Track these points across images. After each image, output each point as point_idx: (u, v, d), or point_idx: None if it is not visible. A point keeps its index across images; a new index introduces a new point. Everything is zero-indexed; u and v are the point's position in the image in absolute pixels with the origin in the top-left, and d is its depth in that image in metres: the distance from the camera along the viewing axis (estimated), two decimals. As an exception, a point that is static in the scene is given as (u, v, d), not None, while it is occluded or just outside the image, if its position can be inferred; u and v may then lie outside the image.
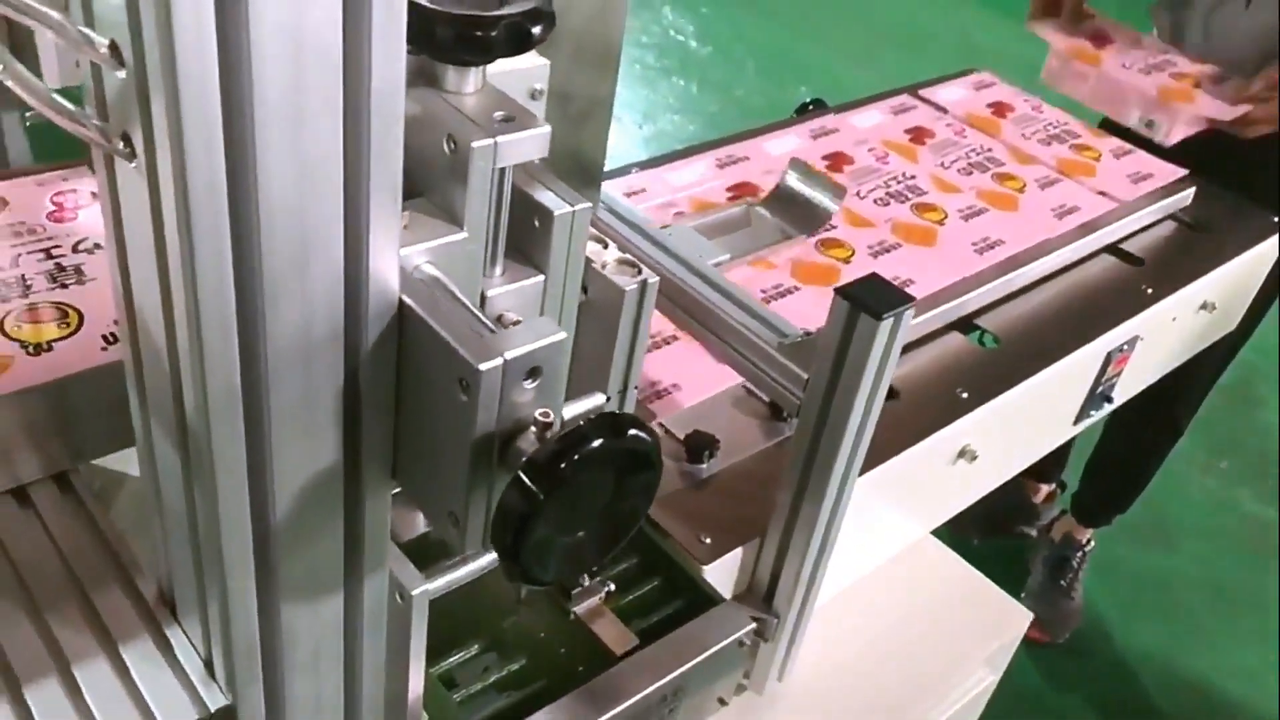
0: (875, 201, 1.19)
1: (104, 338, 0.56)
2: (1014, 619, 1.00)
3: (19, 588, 0.50)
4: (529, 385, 0.40)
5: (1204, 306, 1.24)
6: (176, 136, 0.32)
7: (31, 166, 0.62)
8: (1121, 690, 1.84)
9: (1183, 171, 1.30)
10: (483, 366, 0.38)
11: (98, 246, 0.61)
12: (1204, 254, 1.24)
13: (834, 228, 1.11)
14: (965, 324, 1.06)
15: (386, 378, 0.41)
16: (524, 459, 0.38)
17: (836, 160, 1.25)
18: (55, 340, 0.55)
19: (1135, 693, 1.84)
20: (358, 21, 0.33)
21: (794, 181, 1.07)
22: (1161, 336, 1.19)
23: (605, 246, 0.55)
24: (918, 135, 1.36)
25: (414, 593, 0.51)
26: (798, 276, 1.02)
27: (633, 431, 0.39)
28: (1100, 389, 1.14)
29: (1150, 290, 1.15)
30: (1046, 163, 1.31)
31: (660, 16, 4.00)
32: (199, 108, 0.31)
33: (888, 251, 1.10)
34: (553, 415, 0.40)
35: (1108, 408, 1.19)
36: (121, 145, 0.34)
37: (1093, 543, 1.94)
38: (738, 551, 0.79)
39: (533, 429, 0.40)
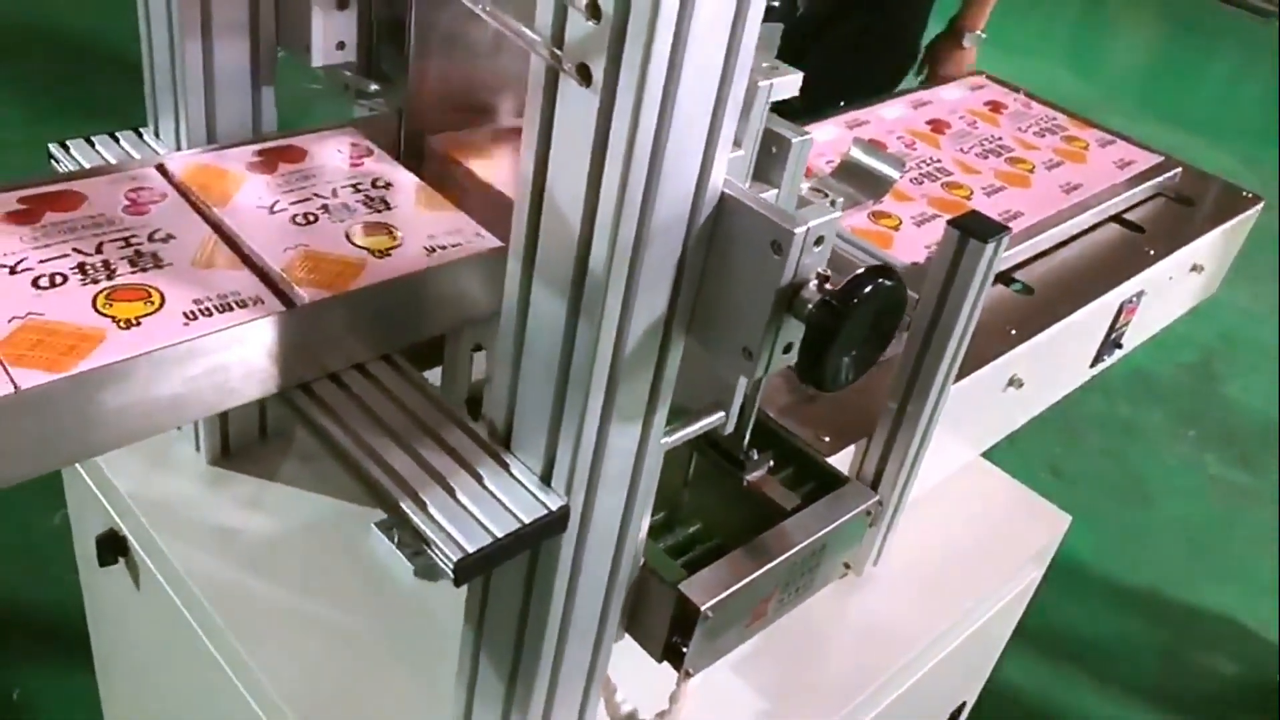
0: (911, 181, 1.37)
1: (425, 250, 0.72)
2: (1055, 522, 1.19)
3: (387, 431, 0.65)
4: (816, 250, 0.57)
5: (1194, 268, 1.44)
6: (641, 76, 0.48)
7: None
8: (1115, 622, 2.04)
9: (1160, 157, 1.50)
10: (796, 230, 0.55)
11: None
12: (1192, 224, 1.44)
13: (881, 202, 1.30)
14: (1003, 278, 1.24)
15: (701, 249, 0.58)
16: (827, 295, 0.55)
17: (873, 146, 1.44)
18: (392, 248, 0.72)
19: (1126, 624, 2.04)
20: (744, 15, 0.50)
21: (859, 154, 1.25)
22: (1161, 293, 1.38)
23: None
24: (937, 126, 1.56)
25: (665, 440, 0.68)
26: (858, 240, 1.20)
27: (894, 282, 0.56)
28: (1113, 335, 1.33)
29: (1152, 253, 1.34)
30: (1046, 150, 1.50)
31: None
32: (661, 57, 0.48)
33: (929, 221, 1.29)
34: (830, 272, 0.57)
35: (1118, 354, 1.38)
36: (577, 74, 0.51)
37: None
38: (851, 447, 0.96)
39: (813, 283, 0.57)
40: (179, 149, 0.87)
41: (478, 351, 0.85)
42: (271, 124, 0.89)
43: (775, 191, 0.67)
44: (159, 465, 1.03)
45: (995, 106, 1.64)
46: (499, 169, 0.86)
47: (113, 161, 0.85)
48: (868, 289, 0.56)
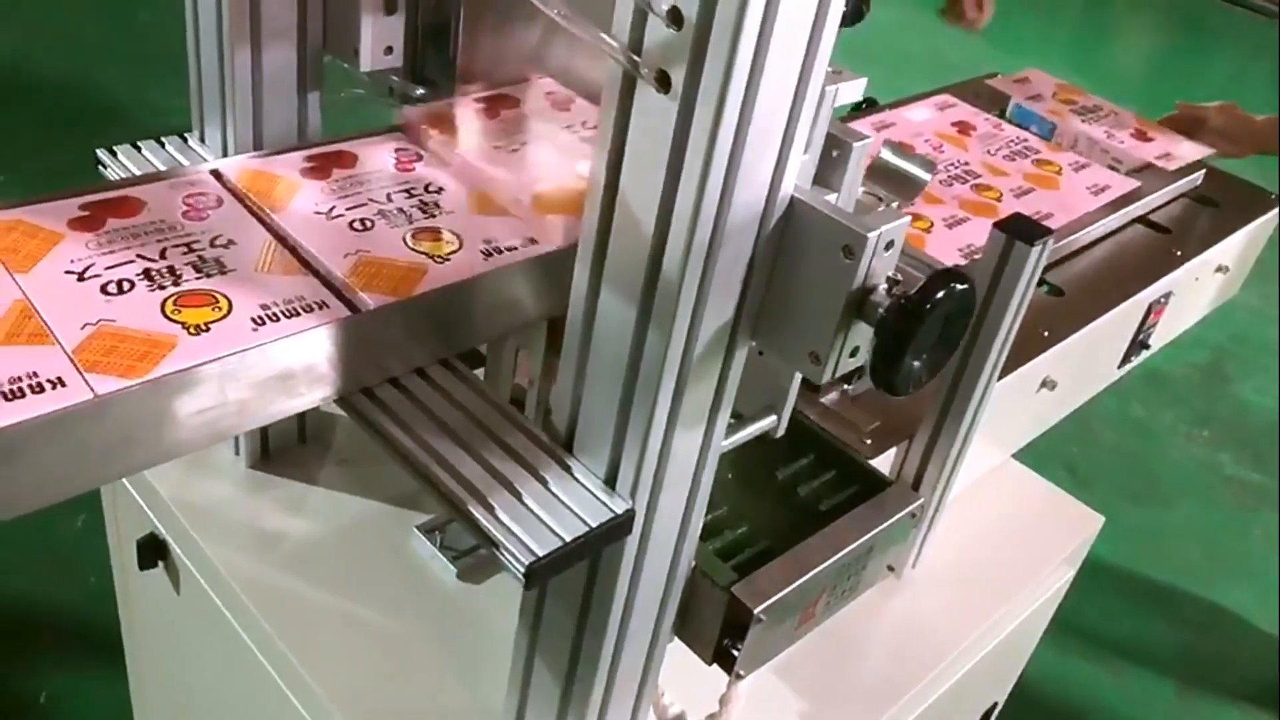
0: (940, 182, 1.38)
1: (482, 254, 0.73)
2: (1087, 523, 1.19)
3: (450, 434, 0.66)
4: (886, 254, 0.57)
5: (1219, 269, 1.44)
6: (723, 83, 0.48)
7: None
8: (1133, 622, 2.05)
9: (1136, 183, 1.41)
10: (869, 235, 0.55)
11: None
12: (1216, 225, 1.44)
13: (912, 203, 1.30)
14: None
15: (769, 254, 0.58)
16: (902, 299, 0.55)
17: (903, 149, 1.44)
18: (450, 253, 0.72)
19: (1144, 624, 2.04)
20: (821, 20, 0.50)
21: (889, 156, 1.25)
22: (1188, 294, 1.39)
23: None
24: (963, 128, 1.56)
25: (723, 443, 0.68)
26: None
27: (966, 285, 0.57)
28: (1141, 336, 1.34)
29: (1179, 254, 1.35)
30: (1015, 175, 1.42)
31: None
32: (743, 64, 0.48)
33: (960, 223, 1.29)
34: (900, 276, 0.57)
35: (1144, 354, 1.38)
36: (655, 80, 0.51)
37: None
38: (892, 450, 0.97)
39: (882, 286, 0.57)
40: (224, 155, 0.88)
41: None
42: (316, 130, 0.90)
43: (834, 195, 0.67)
44: (199, 469, 1.03)
45: (963, 128, 1.58)
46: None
47: (161, 168, 0.85)
48: (942, 293, 0.56)
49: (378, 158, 0.82)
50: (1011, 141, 1.52)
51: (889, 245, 0.57)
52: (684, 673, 0.82)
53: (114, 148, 0.87)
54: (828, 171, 0.66)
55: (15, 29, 3.73)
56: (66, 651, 1.72)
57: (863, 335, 0.59)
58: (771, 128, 0.53)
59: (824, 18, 0.51)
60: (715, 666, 0.80)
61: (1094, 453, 2.44)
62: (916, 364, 0.58)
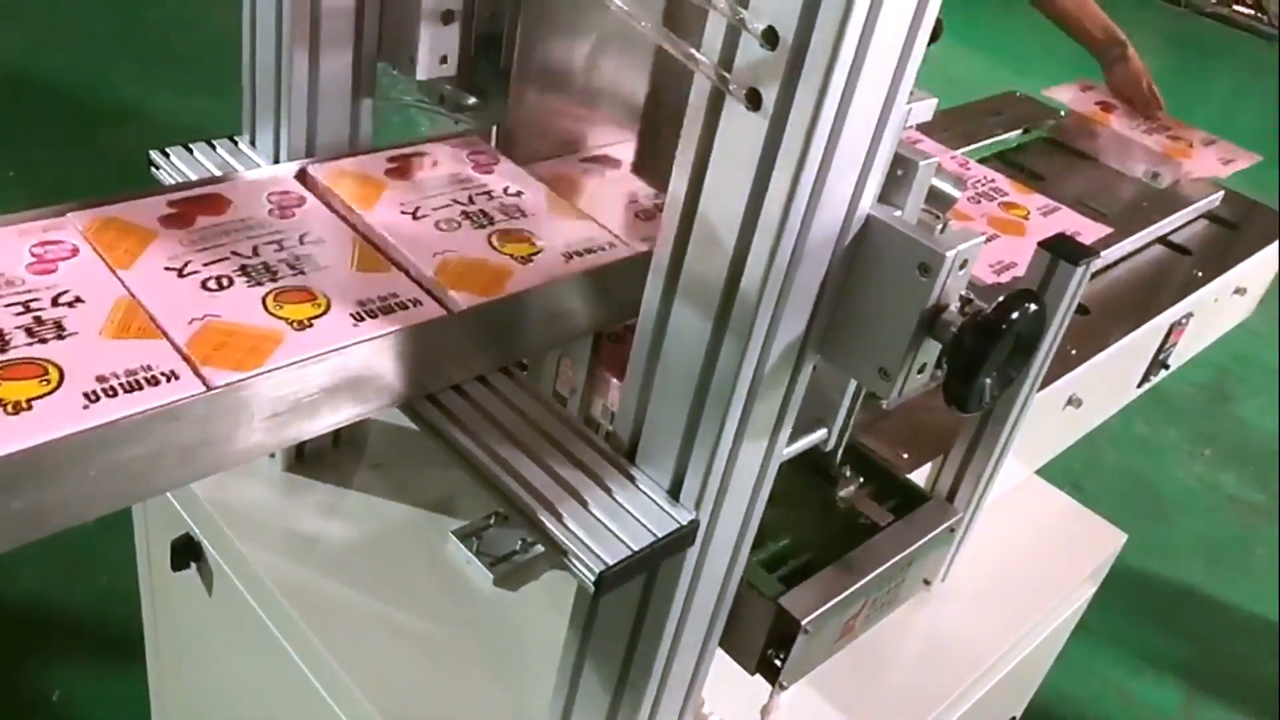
0: (969, 200, 1.39)
1: (564, 256, 0.74)
2: (1110, 539, 1.20)
3: (514, 442, 0.66)
4: (960, 273, 0.58)
5: (1237, 291, 1.46)
6: (817, 104, 0.49)
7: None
8: (1138, 638, 2.06)
9: (1108, 229, 1.34)
10: (948, 254, 0.56)
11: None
12: (1234, 247, 1.46)
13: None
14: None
15: (842, 270, 0.59)
16: (979, 317, 0.56)
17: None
18: (534, 254, 0.74)
19: (1149, 640, 2.06)
20: (912, 41, 0.52)
21: (921, 176, 1.26)
22: (1206, 315, 1.40)
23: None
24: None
25: (779, 453, 0.69)
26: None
27: (1038, 306, 0.58)
28: (1161, 356, 1.35)
29: (1200, 275, 1.36)
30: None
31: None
32: (838, 86, 0.49)
33: (989, 241, 1.30)
34: (972, 295, 0.58)
35: (1162, 374, 1.40)
36: (745, 98, 0.52)
37: None
38: (928, 465, 0.98)
39: (954, 305, 0.58)
40: (276, 159, 0.88)
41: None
42: (368, 137, 0.90)
43: (899, 213, 0.68)
44: (235, 472, 1.03)
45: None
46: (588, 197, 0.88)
47: (216, 172, 0.85)
48: (1017, 313, 0.57)
49: (456, 161, 0.83)
50: (977, 182, 1.42)
51: (963, 264, 0.58)
52: (718, 682, 0.83)
53: (166, 149, 0.88)
54: (891, 189, 0.67)
55: (24, 27, 3.72)
56: (79, 650, 1.72)
57: (931, 352, 0.60)
58: (857, 147, 0.54)
59: (914, 38, 0.52)
60: (755, 677, 0.81)
61: (1098, 470, 2.45)
62: (988, 381, 0.59)
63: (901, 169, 0.67)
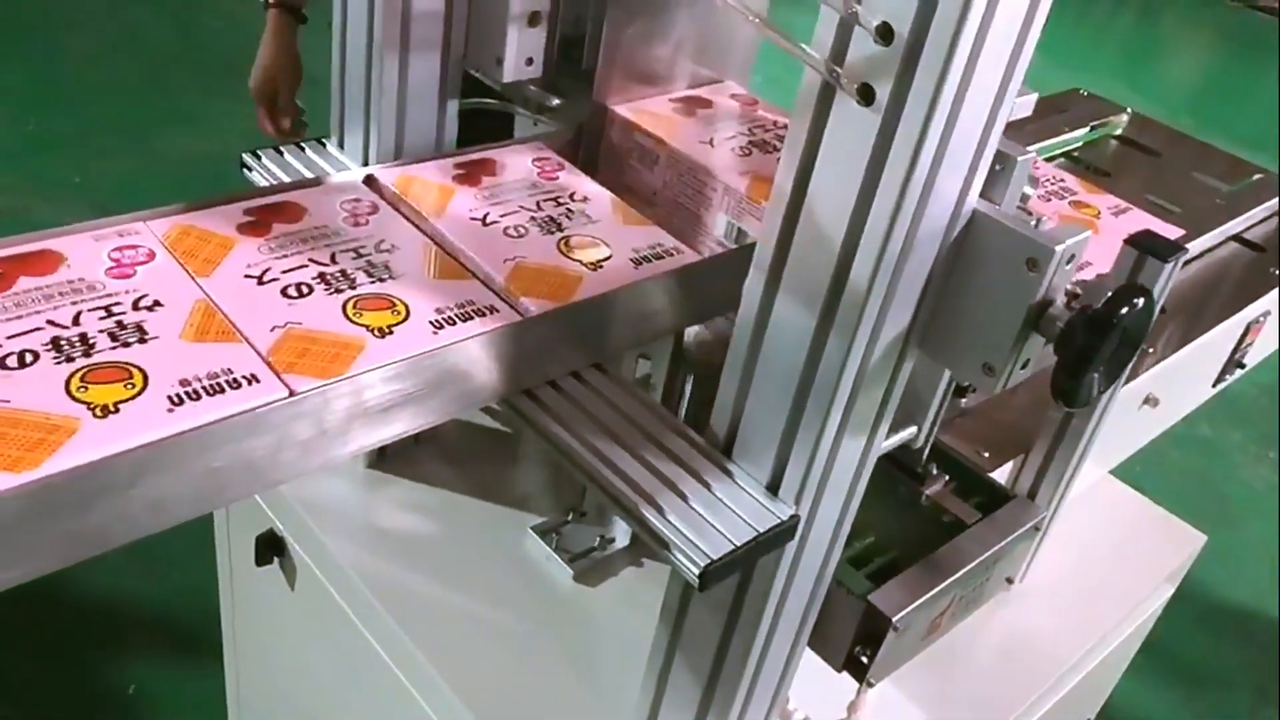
0: (1040, 199, 1.37)
1: (631, 262, 0.74)
2: (1189, 541, 1.19)
3: (613, 437, 0.67)
4: (1067, 268, 0.58)
5: (1313, 289, 1.43)
6: (932, 100, 0.50)
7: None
8: (1204, 641, 2.03)
9: (1179, 230, 1.29)
10: (1057, 249, 0.56)
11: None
12: (1310, 244, 1.44)
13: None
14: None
15: (948, 265, 0.59)
16: (1088, 312, 0.56)
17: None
18: (603, 261, 0.74)
19: (1215, 643, 2.03)
20: (1024, 38, 0.52)
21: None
22: (1282, 313, 1.38)
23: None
24: (1050, 143, 1.56)
25: (878, 449, 0.69)
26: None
27: (1145, 299, 0.57)
28: (1237, 355, 1.33)
29: (1276, 272, 1.34)
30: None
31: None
32: (953, 82, 0.50)
33: (1057, 237, 1.29)
34: (1080, 290, 0.58)
35: (1239, 373, 1.38)
36: (858, 93, 0.52)
37: None
38: (1010, 463, 0.97)
39: (1060, 300, 0.58)
40: (365, 162, 0.90)
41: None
42: (452, 139, 0.92)
43: (997, 208, 0.68)
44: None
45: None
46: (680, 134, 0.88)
47: (308, 174, 0.87)
48: (1126, 308, 0.57)
49: (521, 166, 0.84)
50: (1046, 180, 1.36)
51: (1070, 259, 0.58)
52: (799, 678, 0.83)
53: (258, 151, 0.90)
54: (989, 184, 0.67)
55: (87, 33, 3.80)
56: (153, 646, 1.75)
57: (1035, 347, 0.60)
58: (968, 143, 0.54)
59: (1028, 34, 0.52)
60: (842, 674, 0.81)
61: (1161, 472, 2.42)
62: (1095, 376, 0.59)
63: (1000, 164, 0.67)
